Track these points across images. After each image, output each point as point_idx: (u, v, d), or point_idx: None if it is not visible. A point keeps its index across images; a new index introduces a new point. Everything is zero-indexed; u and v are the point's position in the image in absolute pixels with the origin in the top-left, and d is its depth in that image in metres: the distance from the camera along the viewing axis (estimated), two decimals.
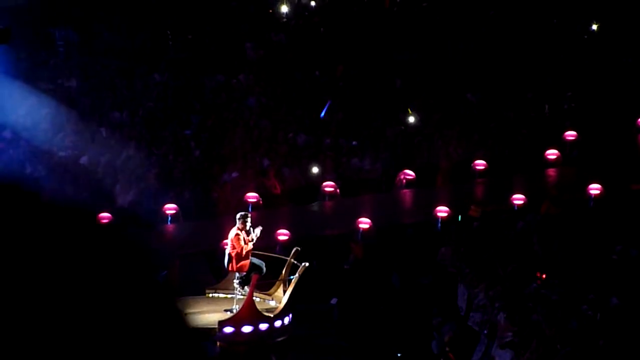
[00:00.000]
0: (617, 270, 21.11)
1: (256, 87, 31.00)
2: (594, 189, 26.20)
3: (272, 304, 19.39)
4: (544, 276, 21.39)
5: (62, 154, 27.41)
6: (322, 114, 29.52)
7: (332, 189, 26.92)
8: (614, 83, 30.85)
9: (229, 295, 19.35)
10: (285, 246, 22.53)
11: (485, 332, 19.78)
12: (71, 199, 26.21)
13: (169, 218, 25.76)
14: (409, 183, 27.49)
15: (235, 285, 19.06)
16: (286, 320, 18.92)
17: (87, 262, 2.77)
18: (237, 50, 32.77)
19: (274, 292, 19.61)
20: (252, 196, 26.10)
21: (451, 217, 25.22)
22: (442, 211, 25.34)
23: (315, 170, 27.61)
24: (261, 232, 18.84)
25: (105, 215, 25.24)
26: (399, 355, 19.76)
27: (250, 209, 24.48)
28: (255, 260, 18.91)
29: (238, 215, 19.00)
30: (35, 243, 2.73)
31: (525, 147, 28.75)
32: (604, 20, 33.71)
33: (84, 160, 27.31)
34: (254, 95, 30.54)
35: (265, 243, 20.75)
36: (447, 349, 19.60)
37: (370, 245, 23.87)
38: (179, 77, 31.39)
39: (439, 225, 25.17)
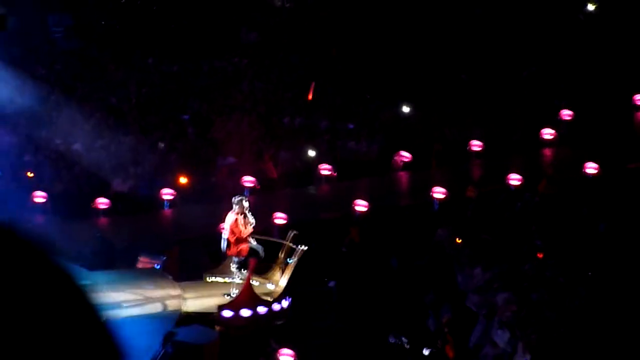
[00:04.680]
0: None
1: (250, 70, 30.92)
2: (591, 168, 26.23)
3: (271, 287, 19.43)
4: (540, 255, 21.44)
5: (58, 141, 27.34)
6: (310, 96, 29.47)
7: (328, 172, 26.94)
8: (610, 61, 30.78)
9: (228, 280, 19.37)
10: (283, 230, 22.53)
11: (484, 312, 19.82)
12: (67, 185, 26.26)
13: (166, 203, 25.77)
14: (406, 165, 27.51)
15: (234, 269, 19.08)
16: (285, 303, 18.95)
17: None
18: (232, 34, 32.66)
19: (272, 276, 19.64)
20: (249, 180, 26.11)
21: (448, 198, 25.25)
22: (438, 192, 25.37)
23: (311, 153, 27.61)
24: (258, 215, 18.86)
25: (102, 201, 25.29)
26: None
27: (247, 193, 24.47)
28: (253, 244, 18.92)
29: (234, 200, 19.01)
30: None
31: (521, 127, 28.74)
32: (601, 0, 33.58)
33: (77, 146, 27.23)
34: (249, 79, 30.47)
35: (262, 227, 20.76)
36: (445, 330, 19.64)
37: (367, 228, 23.88)
38: (174, 61, 31.29)
39: (436, 206, 25.20)
